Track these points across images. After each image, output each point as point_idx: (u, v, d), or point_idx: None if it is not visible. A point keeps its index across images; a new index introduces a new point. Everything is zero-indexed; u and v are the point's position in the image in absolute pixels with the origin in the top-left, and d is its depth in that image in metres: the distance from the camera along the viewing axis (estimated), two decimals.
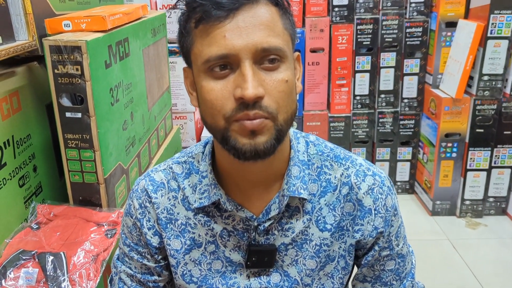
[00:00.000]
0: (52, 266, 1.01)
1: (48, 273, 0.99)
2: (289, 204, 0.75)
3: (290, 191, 0.72)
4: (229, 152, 0.66)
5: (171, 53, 2.25)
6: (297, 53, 0.73)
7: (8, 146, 1.10)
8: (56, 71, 1.08)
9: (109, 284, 0.90)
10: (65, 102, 1.13)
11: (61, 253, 1.04)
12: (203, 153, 0.78)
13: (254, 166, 0.70)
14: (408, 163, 2.70)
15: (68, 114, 1.12)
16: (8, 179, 1.10)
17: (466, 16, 2.30)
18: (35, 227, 1.14)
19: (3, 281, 0.97)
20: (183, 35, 0.68)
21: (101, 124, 1.15)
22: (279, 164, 0.74)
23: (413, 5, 2.42)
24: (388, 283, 0.79)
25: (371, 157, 2.68)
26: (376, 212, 0.74)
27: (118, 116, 1.27)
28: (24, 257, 1.01)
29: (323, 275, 0.77)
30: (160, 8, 2.30)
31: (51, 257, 1.02)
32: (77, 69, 1.08)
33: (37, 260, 1.01)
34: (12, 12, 1.08)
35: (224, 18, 0.61)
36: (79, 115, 1.12)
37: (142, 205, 0.78)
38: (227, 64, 0.63)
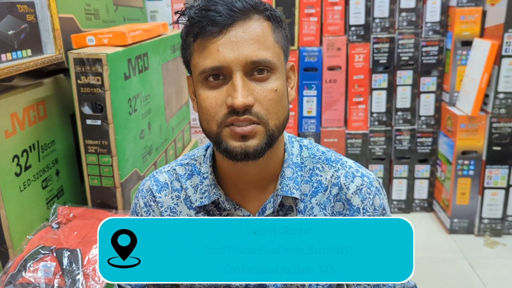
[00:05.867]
0: (68, 261, 1.08)
1: (64, 267, 1.07)
2: (283, 204, 0.80)
3: (283, 191, 0.78)
4: (222, 154, 0.72)
5: None
6: (291, 63, 0.79)
7: (33, 150, 1.19)
8: (79, 81, 1.18)
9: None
10: (86, 110, 1.22)
11: (77, 249, 1.11)
12: (204, 155, 0.84)
13: (249, 167, 0.75)
14: (426, 181, 2.69)
15: (88, 121, 1.21)
16: (32, 180, 1.19)
17: (481, 35, 2.32)
18: (55, 227, 1.22)
19: (23, 272, 1.05)
20: (184, 47, 0.76)
21: (118, 131, 1.24)
22: (273, 166, 0.79)
23: (428, 24, 2.46)
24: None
25: (389, 175, 2.69)
26: (364, 211, 0.78)
27: (135, 125, 1.36)
28: (43, 252, 1.09)
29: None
30: None
31: (68, 253, 1.10)
32: (97, 80, 1.17)
33: (55, 255, 1.09)
34: (41, 28, 1.19)
35: (217, 33, 0.68)
36: (98, 122, 1.21)
37: (147, 204, 0.85)
38: (220, 74, 0.70)
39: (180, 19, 0.74)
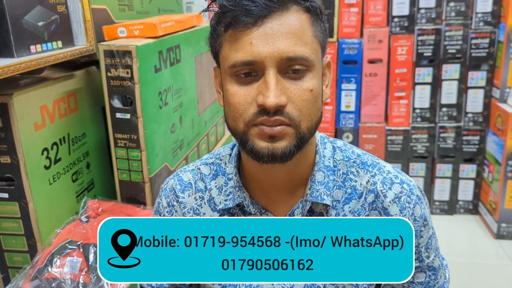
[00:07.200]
0: (94, 257, 1.06)
1: (90, 263, 1.05)
2: (313, 210, 0.73)
3: (313, 196, 0.71)
4: (248, 155, 0.67)
5: None
6: (327, 60, 0.72)
7: (64, 143, 1.18)
8: (108, 74, 1.16)
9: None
10: (116, 103, 1.20)
11: None
12: (230, 155, 0.79)
13: (276, 170, 0.70)
14: (472, 182, 2.54)
15: (118, 115, 1.19)
16: (62, 173, 1.18)
17: None
18: (84, 220, 1.21)
19: (49, 267, 1.04)
20: (213, 37, 0.70)
21: (148, 126, 1.21)
22: (303, 169, 0.73)
23: (479, 15, 2.30)
24: None
25: (431, 174, 2.56)
26: None
27: (166, 119, 1.33)
28: (70, 247, 1.08)
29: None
30: None
31: (95, 249, 1.08)
32: (127, 73, 1.14)
33: (81, 250, 1.08)
34: (72, 19, 1.17)
35: (252, 24, 0.62)
36: (128, 116, 1.18)
37: (170, 204, 0.81)
38: (252, 71, 0.64)
39: (211, 6, 0.69)
